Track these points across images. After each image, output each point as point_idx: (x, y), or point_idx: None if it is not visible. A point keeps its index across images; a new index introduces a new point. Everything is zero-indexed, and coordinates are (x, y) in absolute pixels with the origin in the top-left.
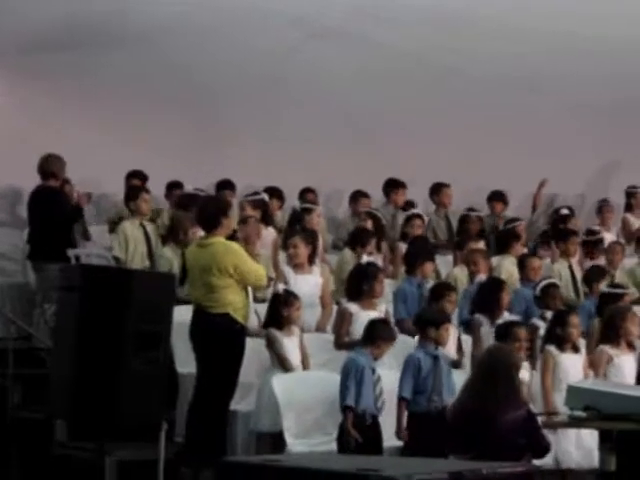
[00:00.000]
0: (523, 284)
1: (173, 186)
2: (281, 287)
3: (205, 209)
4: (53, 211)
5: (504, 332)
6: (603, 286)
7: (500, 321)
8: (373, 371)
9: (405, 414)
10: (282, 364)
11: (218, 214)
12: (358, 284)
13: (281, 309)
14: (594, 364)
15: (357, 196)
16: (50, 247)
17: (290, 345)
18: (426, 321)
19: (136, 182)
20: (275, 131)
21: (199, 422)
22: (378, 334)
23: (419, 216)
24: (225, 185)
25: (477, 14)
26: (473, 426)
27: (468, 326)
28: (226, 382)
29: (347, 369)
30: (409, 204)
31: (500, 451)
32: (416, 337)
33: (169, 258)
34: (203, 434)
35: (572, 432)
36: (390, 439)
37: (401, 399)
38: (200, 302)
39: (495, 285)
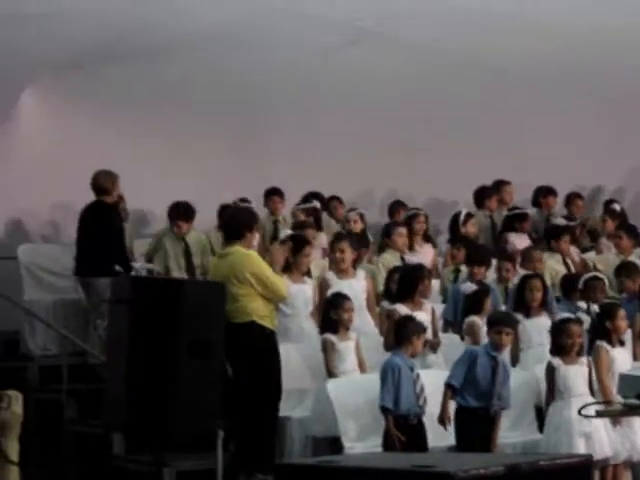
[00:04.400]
0: None
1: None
2: (330, 291)
3: (233, 219)
4: (104, 227)
5: (559, 329)
6: None
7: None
8: (412, 369)
9: (450, 402)
10: (329, 371)
11: (244, 227)
12: (409, 285)
13: (331, 312)
14: None
15: (395, 206)
16: (98, 262)
17: (346, 350)
18: (489, 322)
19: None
20: (315, 135)
21: (248, 430)
22: (407, 330)
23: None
24: (274, 192)
25: (508, 11)
26: None
27: None
28: (268, 386)
29: (384, 371)
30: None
31: None
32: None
33: None
34: (254, 440)
35: (638, 426)
36: (436, 439)
37: (448, 386)
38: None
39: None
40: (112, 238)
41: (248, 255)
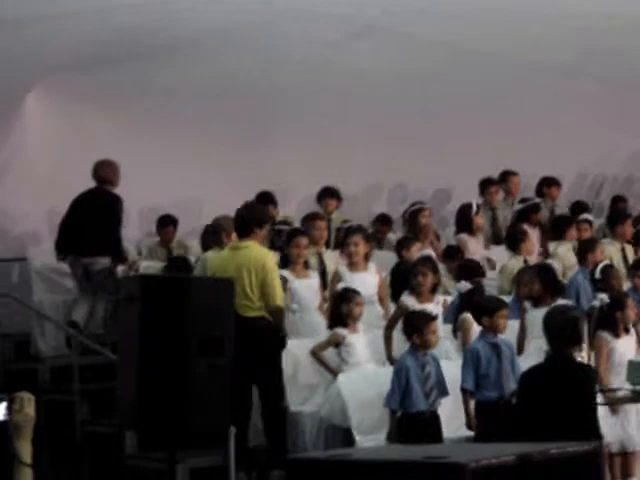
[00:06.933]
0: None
1: None
2: (340, 285)
3: (242, 216)
4: (107, 213)
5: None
6: None
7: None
8: (423, 368)
9: (471, 404)
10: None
11: (251, 224)
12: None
13: (342, 306)
14: None
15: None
16: (99, 243)
17: (358, 343)
18: (480, 310)
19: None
20: (321, 130)
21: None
22: (414, 324)
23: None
24: (265, 198)
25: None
26: None
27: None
28: (275, 381)
29: (394, 372)
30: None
31: None
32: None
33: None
34: (267, 436)
35: (633, 415)
36: (453, 431)
37: (463, 390)
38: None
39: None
40: (113, 225)
41: (265, 251)
